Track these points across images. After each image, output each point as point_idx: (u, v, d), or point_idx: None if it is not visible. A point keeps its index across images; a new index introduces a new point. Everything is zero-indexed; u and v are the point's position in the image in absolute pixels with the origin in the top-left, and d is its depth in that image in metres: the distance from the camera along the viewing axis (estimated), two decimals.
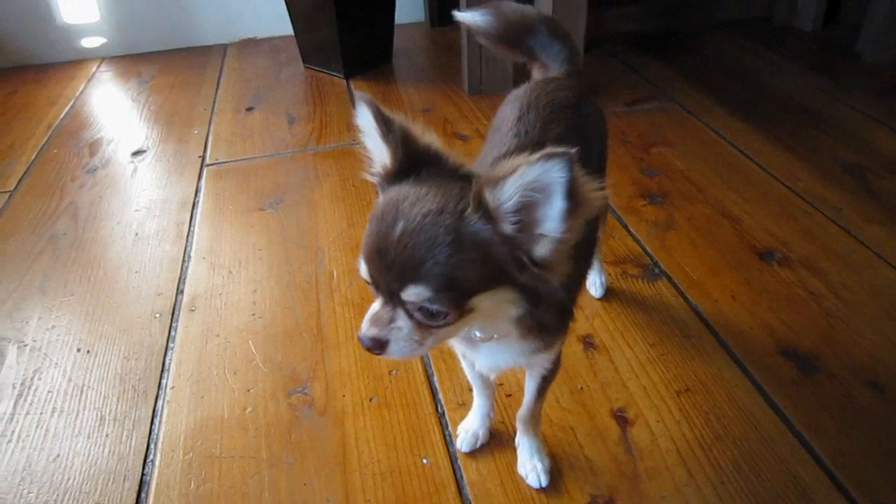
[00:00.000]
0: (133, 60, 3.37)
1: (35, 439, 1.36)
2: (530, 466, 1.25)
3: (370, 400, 1.43)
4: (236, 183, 2.24)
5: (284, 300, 1.71)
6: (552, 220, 0.75)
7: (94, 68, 3.28)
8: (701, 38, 3.40)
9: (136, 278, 1.81)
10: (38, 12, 3.23)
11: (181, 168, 2.34)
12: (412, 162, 0.86)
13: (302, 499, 1.23)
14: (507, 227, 0.77)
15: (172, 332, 1.62)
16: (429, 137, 0.88)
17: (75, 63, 3.35)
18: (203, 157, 2.41)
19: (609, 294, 1.69)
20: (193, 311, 1.69)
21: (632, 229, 1.92)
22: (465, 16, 1.35)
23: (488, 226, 0.77)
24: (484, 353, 1.04)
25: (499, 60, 2.75)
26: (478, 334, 0.97)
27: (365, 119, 0.86)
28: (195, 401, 1.44)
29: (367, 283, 0.86)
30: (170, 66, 3.27)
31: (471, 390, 1.40)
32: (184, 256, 1.89)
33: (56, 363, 1.55)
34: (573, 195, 0.73)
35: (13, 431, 1.38)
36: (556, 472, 1.26)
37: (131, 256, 1.90)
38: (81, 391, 1.47)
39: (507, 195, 0.75)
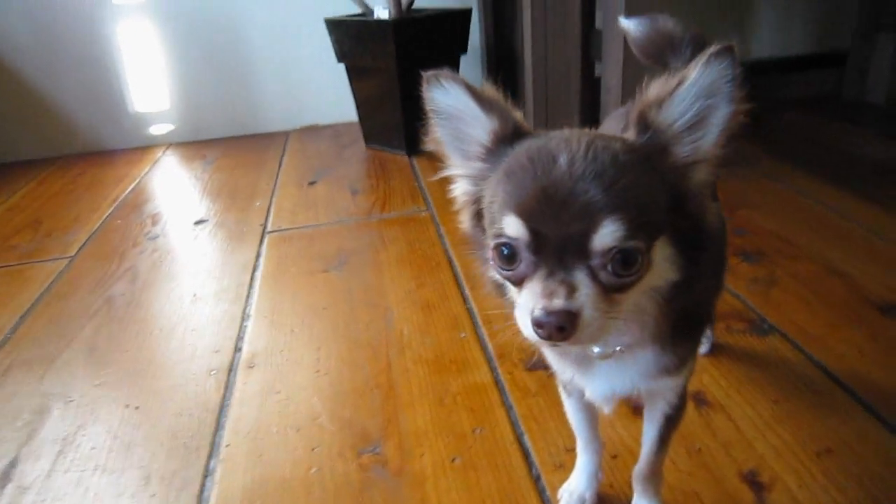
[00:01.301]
0: (198, 146, 3.43)
1: (74, 498, 1.20)
2: None
3: (452, 461, 1.23)
4: (299, 248, 2.16)
5: (352, 357, 1.56)
6: (713, 131, 0.67)
7: (160, 153, 3.35)
8: (771, 115, 3.30)
9: (193, 336, 1.69)
10: (112, 100, 3.35)
11: (242, 235, 2.28)
12: (517, 131, 0.74)
13: None
14: (682, 150, 0.68)
15: (229, 389, 1.47)
16: (518, 114, 0.76)
17: (143, 148, 3.42)
18: (265, 226, 2.35)
19: (716, 349, 1.49)
20: (252, 367, 1.54)
21: (729, 286, 1.74)
22: (626, 22, 1.29)
23: (659, 150, 0.68)
24: (599, 375, 0.86)
25: (561, 116, 2.69)
26: (596, 350, 0.80)
27: (448, 97, 0.74)
28: (253, 459, 1.27)
29: (517, 248, 0.66)
30: (233, 150, 3.31)
31: (569, 450, 1.20)
32: (243, 315, 1.77)
33: (102, 419, 1.41)
34: (737, 99, 0.66)
35: (49, 490, 1.22)
36: None
37: (188, 316, 1.79)
38: (127, 448, 1.32)
39: (680, 110, 0.67)
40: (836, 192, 2.29)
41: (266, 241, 2.23)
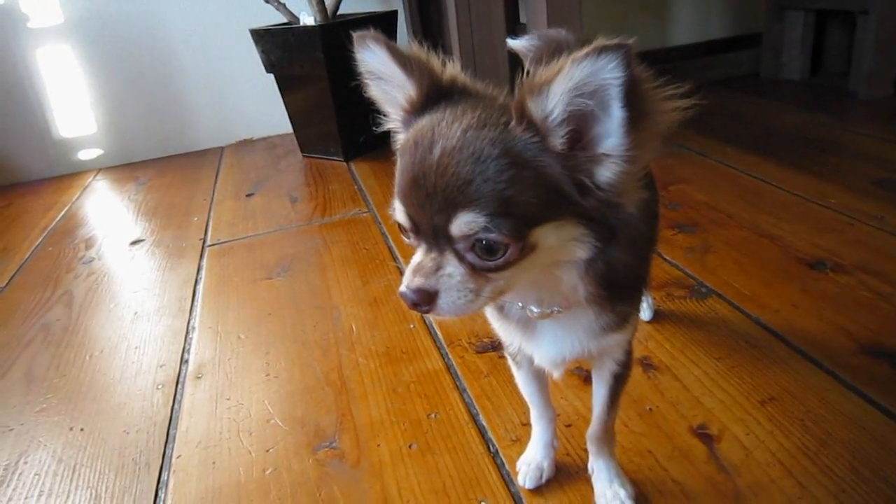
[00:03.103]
0: (130, 168, 3.34)
1: None
2: (611, 494, 1.05)
3: (410, 447, 1.23)
4: (240, 258, 2.12)
5: (301, 358, 1.54)
6: (612, 134, 0.63)
7: (90, 178, 3.24)
8: (695, 95, 3.41)
9: (136, 354, 1.64)
10: (34, 128, 3.23)
11: (181, 251, 2.23)
12: (439, 94, 0.75)
13: None
14: (558, 143, 0.65)
15: (177, 402, 1.44)
16: (452, 70, 0.78)
17: (71, 175, 3.31)
18: (204, 240, 2.30)
19: (658, 316, 1.53)
20: (200, 377, 1.51)
21: (667, 256, 1.79)
22: (515, 42, 1.30)
23: (536, 140, 0.65)
24: (545, 339, 0.87)
25: None
26: (535, 309, 0.82)
27: (375, 58, 0.76)
28: (205, 468, 1.24)
29: (405, 229, 0.72)
30: (167, 169, 3.24)
31: (524, 424, 1.22)
32: (187, 328, 1.73)
33: (45, 445, 1.35)
34: (634, 101, 0.60)
35: None
36: (642, 500, 1.05)
37: (130, 334, 1.74)
38: (73, 470, 1.27)
39: (552, 104, 0.63)
40: (762, 162, 2.39)
41: (206, 254, 2.18)
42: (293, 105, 3.13)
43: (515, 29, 2.83)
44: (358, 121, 2.97)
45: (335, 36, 2.77)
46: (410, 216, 0.70)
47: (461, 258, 0.68)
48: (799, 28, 3.38)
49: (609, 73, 0.59)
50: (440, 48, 0.78)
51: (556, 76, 0.62)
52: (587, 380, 1.34)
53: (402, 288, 0.70)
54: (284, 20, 2.98)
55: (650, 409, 1.25)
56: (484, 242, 0.66)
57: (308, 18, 2.86)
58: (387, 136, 0.83)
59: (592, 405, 1.03)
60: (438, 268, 0.69)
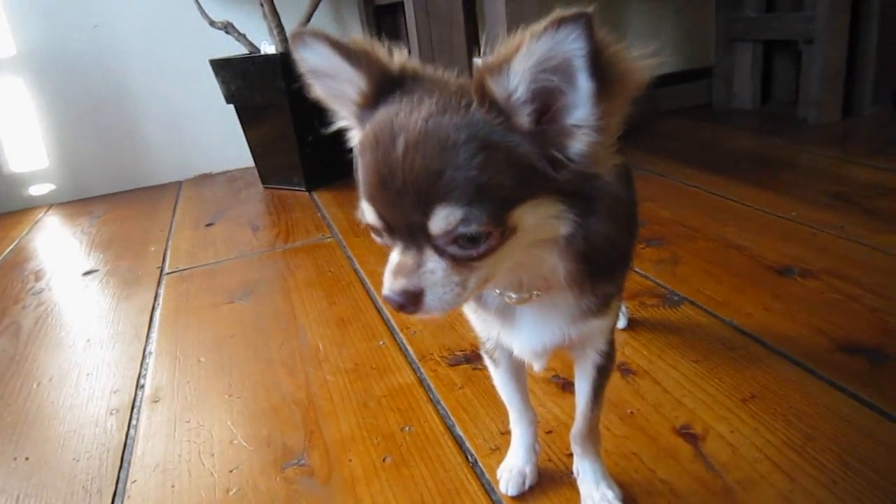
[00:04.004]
0: (83, 203, 3.23)
1: None
2: (598, 496, 1.00)
3: (383, 460, 1.16)
4: (200, 284, 2.04)
5: (265, 378, 1.47)
6: (581, 105, 0.60)
7: (41, 214, 3.12)
8: (651, 124, 3.48)
9: (88, 381, 1.54)
10: None
11: (137, 279, 2.13)
12: (391, 83, 0.70)
13: None
14: (525, 121, 0.62)
15: (133, 427, 1.35)
16: (400, 57, 0.73)
17: (21, 211, 3.19)
18: (161, 268, 2.21)
19: (633, 324, 1.51)
20: (158, 401, 1.42)
21: (637, 269, 1.78)
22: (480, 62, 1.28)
23: (501, 121, 0.62)
24: (525, 328, 0.84)
25: None
26: (513, 295, 0.78)
27: (316, 55, 0.71)
28: (163, 491, 1.15)
29: (377, 230, 0.68)
30: (123, 204, 3.14)
31: (503, 433, 1.17)
32: (143, 353, 1.64)
33: None
34: (601, 70, 0.58)
35: None
36: (630, 502, 1.01)
37: (82, 362, 1.64)
38: (17, 500, 1.17)
39: (514, 82, 0.60)
40: (722, 181, 2.43)
41: (164, 281, 2.09)
42: (254, 136, 3.08)
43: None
44: (322, 153, 2.94)
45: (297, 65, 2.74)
46: (381, 216, 0.66)
47: (441, 252, 0.64)
48: (748, 58, 3.50)
49: (571, 45, 0.56)
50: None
51: (516, 53, 0.59)
52: (565, 387, 1.30)
53: (386, 291, 0.66)
54: (244, 50, 2.96)
55: (631, 412, 1.21)
56: (465, 234, 0.62)
57: (269, 47, 2.84)
58: (351, 166, 0.77)
59: (576, 402, 0.99)
60: (419, 265, 0.65)
